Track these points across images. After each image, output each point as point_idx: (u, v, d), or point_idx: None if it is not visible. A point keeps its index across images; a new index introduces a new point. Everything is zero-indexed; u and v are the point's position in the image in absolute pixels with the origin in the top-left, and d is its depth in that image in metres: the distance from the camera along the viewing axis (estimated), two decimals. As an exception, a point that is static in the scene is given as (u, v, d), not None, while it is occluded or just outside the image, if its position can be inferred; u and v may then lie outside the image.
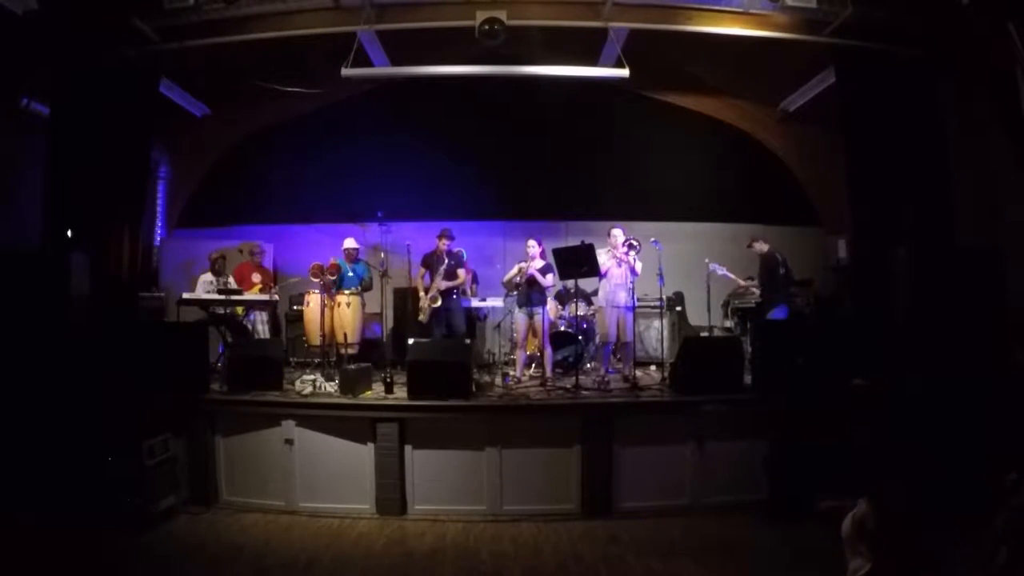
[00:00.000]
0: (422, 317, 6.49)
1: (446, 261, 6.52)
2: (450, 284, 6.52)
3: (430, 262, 6.60)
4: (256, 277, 7.01)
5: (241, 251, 7.46)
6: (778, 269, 6.77)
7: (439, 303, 6.43)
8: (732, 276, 7.10)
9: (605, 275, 6.16)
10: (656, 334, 7.21)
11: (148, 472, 4.65)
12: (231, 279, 7.06)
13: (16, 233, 6.10)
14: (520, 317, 6.30)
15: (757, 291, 7.09)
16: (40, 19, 5.30)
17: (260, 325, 7.01)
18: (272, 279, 7.39)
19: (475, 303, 7.22)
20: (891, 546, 2.71)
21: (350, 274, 6.69)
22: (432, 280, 6.53)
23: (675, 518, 4.79)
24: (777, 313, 6.59)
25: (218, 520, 4.87)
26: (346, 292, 6.41)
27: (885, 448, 3.37)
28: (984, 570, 2.59)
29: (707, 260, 6.96)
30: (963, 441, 4.18)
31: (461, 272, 6.63)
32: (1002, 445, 4.04)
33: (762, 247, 6.95)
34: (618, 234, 6.26)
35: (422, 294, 6.55)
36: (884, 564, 2.69)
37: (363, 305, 6.61)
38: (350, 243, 6.89)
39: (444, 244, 6.56)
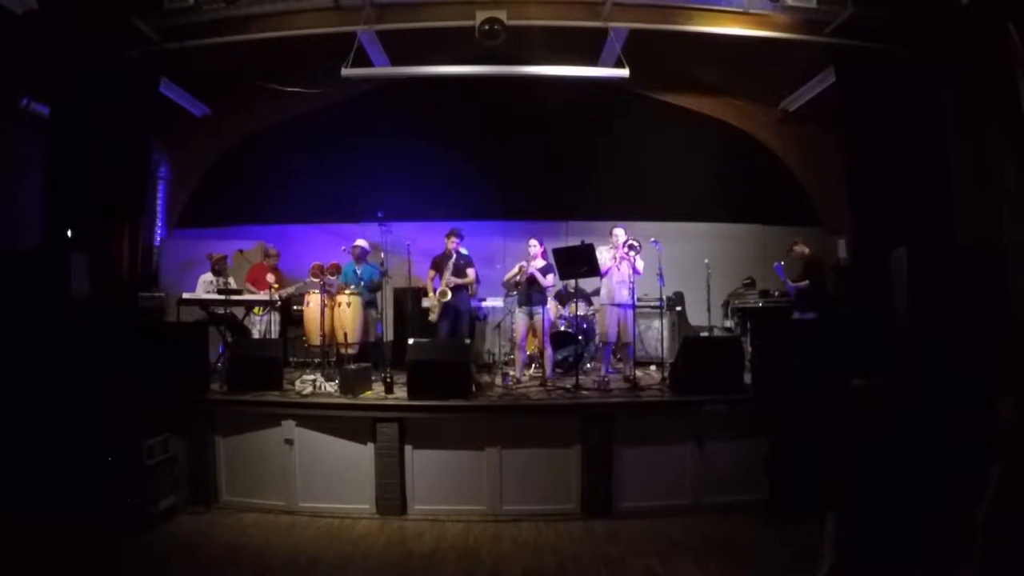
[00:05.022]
0: (432, 317, 6.46)
1: (455, 257, 6.52)
2: (460, 281, 6.53)
3: (439, 265, 6.60)
4: (270, 278, 7.01)
5: (241, 252, 7.45)
6: (824, 272, 6.71)
7: (449, 297, 6.42)
8: (789, 281, 6.87)
9: (607, 274, 6.17)
10: (656, 334, 7.21)
11: (148, 472, 4.65)
12: (231, 280, 7.06)
13: (16, 233, 6.10)
14: (520, 317, 6.29)
15: (795, 294, 6.82)
16: (40, 19, 5.30)
17: (260, 325, 7.01)
18: (284, 280, 7.37)
19: (474, 303, 7.20)
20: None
21: (357, 272, 6.65)
22: (441, 280, 6.53)
23: (675, 518, 4.78)
24: (807, 316, 6.51)
25: (218, 520, 4.86)
26: (347, 292, 6.40)
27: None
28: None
29: (747, 275, 7.02)
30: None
31: (470, 272, 6.63)
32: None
33: (804, 250, 6.87)
34: (620, 233, 6.28)
35: (431, 294, 6.53)
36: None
37: (363, 305, 6.60)
38: (360, 243, 6.85)
39: (454, 242, 6.56)
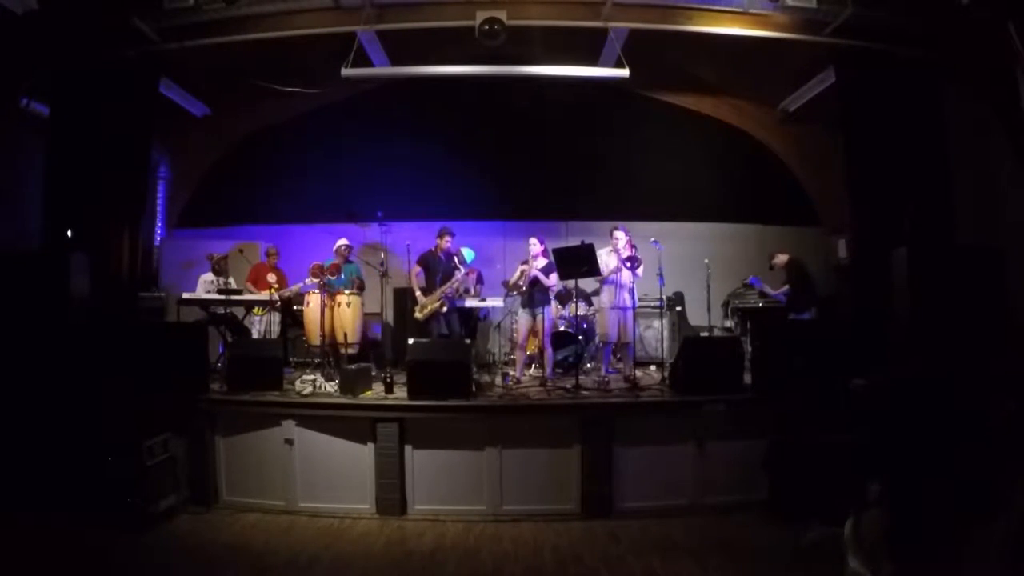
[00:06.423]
0: (419, 315, 6.36)
1: (452, 259, 6.48)
2: (453, 285, 6.50)
3: (427, 262, 6.57)
4: (271, 277, 7.02)
5: (241, 251, 7.46)
6: (806, 272, 6.83)
7: (445, 309, 6.37)
8: (768, 289, 7.11)
9: (608, 283, 6.17)
10: (656, 334, 7.21)
11: (148, 472, 4.65)
12: (231, 280, 7.06)
13: (16, 233, 6.11)
14: (523, 317, 6.29)
15: (785, 299, 6.98)
16: (40, 19, 5.30)
17: (260, 325, 7.00)
18: (285, 281, 7.37)
19: (475, 303, 7.19)
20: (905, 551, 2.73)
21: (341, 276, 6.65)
22: (427, 280, 6.48)
23: (675, 518, 4.79)
24: (803, 316, 6.61)
25: (218, 520, 4.87)
26: (345, 292, 6.39)
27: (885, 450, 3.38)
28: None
29: (749, 276, 7.25)
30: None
31: (458, 273, 6.62)
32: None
33: (783, 258, 6.98)
34: (620, 236, 6.27)
35: (419, 294, 6.48)
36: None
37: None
38: (341, 245, 6.86)
39: (447, 242, 6.52)
